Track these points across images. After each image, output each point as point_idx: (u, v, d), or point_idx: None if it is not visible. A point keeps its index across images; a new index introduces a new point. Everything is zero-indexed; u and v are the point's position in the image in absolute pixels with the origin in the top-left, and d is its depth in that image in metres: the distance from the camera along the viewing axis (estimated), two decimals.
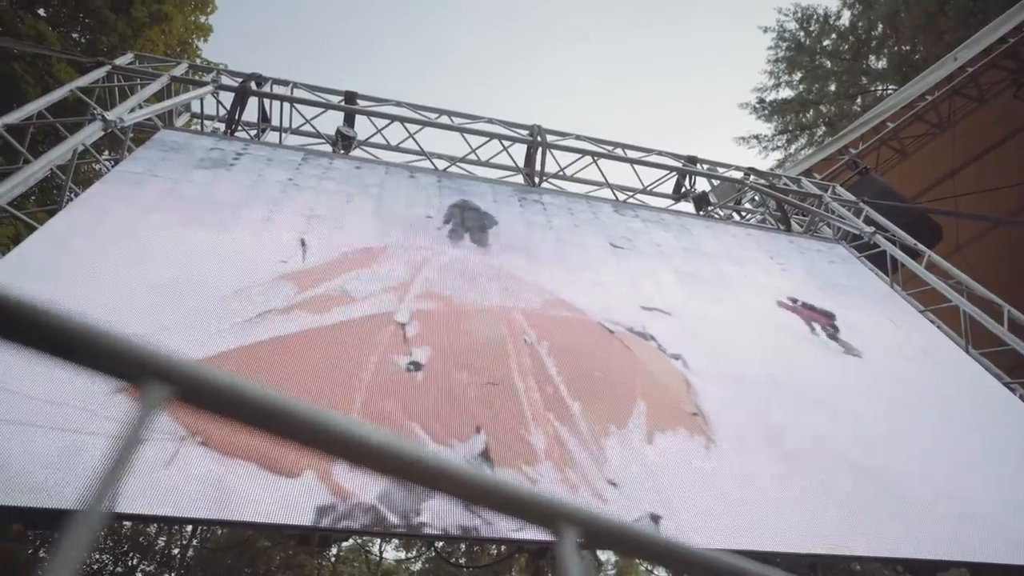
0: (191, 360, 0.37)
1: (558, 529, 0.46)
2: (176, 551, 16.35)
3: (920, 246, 6.08)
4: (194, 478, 2.46)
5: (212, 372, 0.37)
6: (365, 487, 2.59)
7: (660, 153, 7.35)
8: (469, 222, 5.19)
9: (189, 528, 15.64)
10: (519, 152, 6.90)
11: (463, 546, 16.85)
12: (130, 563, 15.76)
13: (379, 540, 17.59)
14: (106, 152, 5.45)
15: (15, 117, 4.56)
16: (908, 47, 15.13)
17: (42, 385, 2.67)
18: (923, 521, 3.21)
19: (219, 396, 0.38)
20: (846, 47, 16.34)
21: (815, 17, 16.26)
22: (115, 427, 2.33)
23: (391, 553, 19.62)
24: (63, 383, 2.69)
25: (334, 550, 17.60)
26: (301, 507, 2.49)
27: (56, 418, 2.57)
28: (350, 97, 6.53)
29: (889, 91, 13.80)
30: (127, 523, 14.23)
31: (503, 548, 11.18)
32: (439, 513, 2.59)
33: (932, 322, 5.41)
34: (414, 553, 19.31)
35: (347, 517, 2.52)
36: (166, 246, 3.87)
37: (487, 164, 6.95)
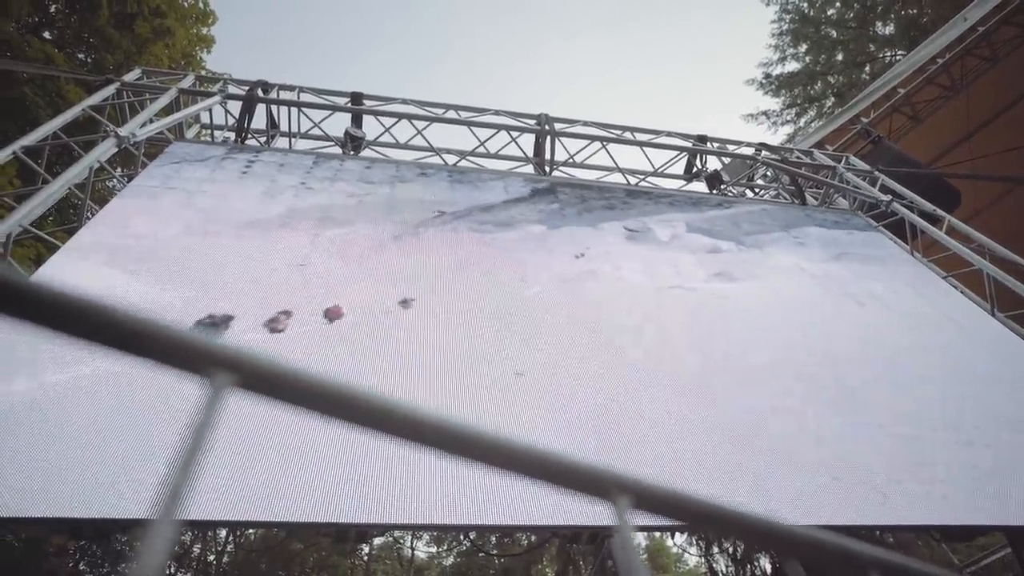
0: (252, 349, 0.38)
1: (612, 499, 0.47)
2: (212, 557, 16.61)
3: (939, 211, 5.99)
4: (224, 481, 2.50)
5: (273, 359, 0.39)
6: (395, 481, 2.62)
7: (669, 134, 7.30)
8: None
9: (223, 533, 15.88)
10: (528, 143, 6.89)
11: (494, 538, 16.95)
12: (168, 573, 16.04)
13: (411, 535, 17.75)
14: (119, 168, 5.51)
15: (31, 139, 4.62)
16: (915, 10, 14.87)
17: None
18: (957, 488, 3.18)
19: (280, 382, 0.39)
20: (851, 15, 16.08)
21: None
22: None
23: (423, 549, 19.81)
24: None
25: (366, 549, 17.78)
26: (333, 504, 2.52)
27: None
28: (356, 98, 6.55)
29: (898, 57, 13.59)
30: None
31: (533, 538, 11.23)
32: (472, 503, 2.61)
33: (955, 287, 5.35)
34: (446, 547, 19.48)
35: (379, 512, 2.54)
36: (185, 256, 3.91)
37: (497, 156, 6.94)
